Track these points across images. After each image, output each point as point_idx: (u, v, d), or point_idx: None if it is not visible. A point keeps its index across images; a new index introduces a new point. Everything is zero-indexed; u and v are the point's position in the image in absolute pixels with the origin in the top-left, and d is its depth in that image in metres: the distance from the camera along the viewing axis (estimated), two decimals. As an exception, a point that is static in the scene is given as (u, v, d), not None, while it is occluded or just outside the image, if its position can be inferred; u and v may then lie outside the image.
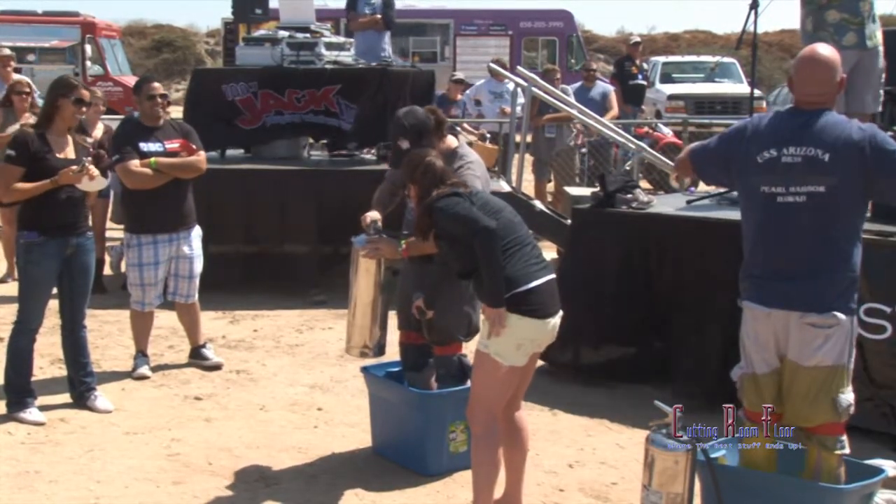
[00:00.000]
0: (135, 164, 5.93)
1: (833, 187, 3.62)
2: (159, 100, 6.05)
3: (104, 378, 5.92)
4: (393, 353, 5.01)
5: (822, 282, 3.65)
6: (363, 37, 9.81)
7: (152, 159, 5.94)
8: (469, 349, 4.81)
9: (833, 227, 3.67)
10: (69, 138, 5.35)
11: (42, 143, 5.22)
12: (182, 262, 6.16)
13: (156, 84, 6.15)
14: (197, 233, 6.25)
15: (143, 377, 6.06)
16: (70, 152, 5.31)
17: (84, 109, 5.38)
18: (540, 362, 4.56)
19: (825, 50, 3.80)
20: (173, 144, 6.07)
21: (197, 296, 6.31)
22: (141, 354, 6.21)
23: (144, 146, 5.98)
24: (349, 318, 4.72)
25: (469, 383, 4.70)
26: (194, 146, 6.15)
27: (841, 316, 3.64)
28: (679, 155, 4.15)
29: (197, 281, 6.27)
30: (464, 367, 4.79)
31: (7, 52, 9.76)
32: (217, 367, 6.27)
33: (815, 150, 3.65)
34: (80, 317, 5.48)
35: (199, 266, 6.26)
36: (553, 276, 4.04)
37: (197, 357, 6.38)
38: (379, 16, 9.71)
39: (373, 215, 4.65)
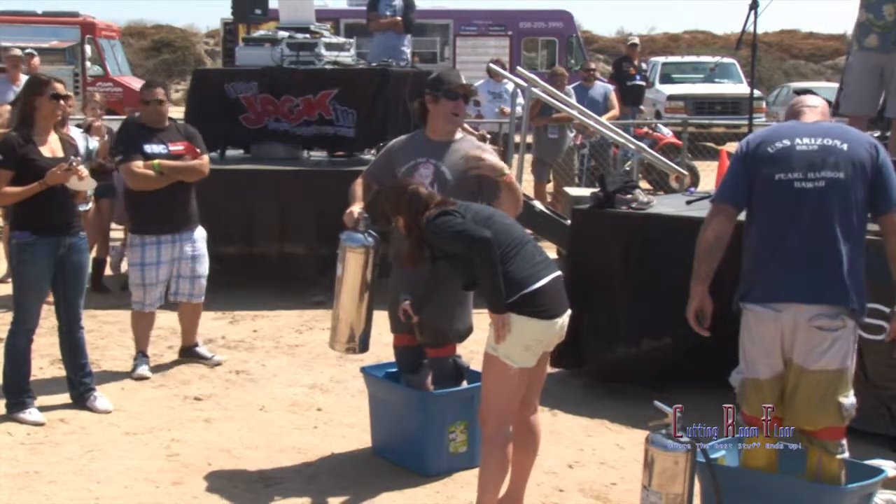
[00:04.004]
0: (137, 165, 5.94)
1: (851, 176, 3.64)
2: (157, 106, 6.07)
3: (104, 378, 5.92)
4: (391, 354, 5.01)
5: (846, 274, 3.65)
6: (383, 38, 9.85)
7: (156, 161, 5.96)
8: (464, 348, 4.82)
9: (852, 216, 3.67)
10: (55, 136, 5.32)
11: (28, 144, 5.18)
12: (184, 262, 6.17)
13: (157, 90, 6.15)
14: (200, 234, 6.26)
15: (142, 377, 6.06)
16: (57, 151, 5.28)
17: (62, 103, 5.33)
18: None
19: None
20: (177, 147, 6.10)
21: (203, 297, 6.33)
22: (141, 355, 6.21)
23: (148, 148, 6.00)
24: (335, 313, 4.69)
25: (465, 383, 4.72)
26: (198, 149, 6.17)
27: (847, 319, 3.65)
28: (710, 216, 3.90)
29: (202, 281, 6.28)
30: (458, 368, 4.78)
31: (18, 52, 9.78)
32: (218, 364, 6.28)
33: (833, 141, 3.68)
34: (76, 317, 5.46)
35: (202, 267, 6.26)
36: (559, 273, 4.02)
37: (192, 356, 6.39)
38: (399, 18, 9.75)
39: (359, 210, 4.65)
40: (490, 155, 4.54)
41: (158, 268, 6.08)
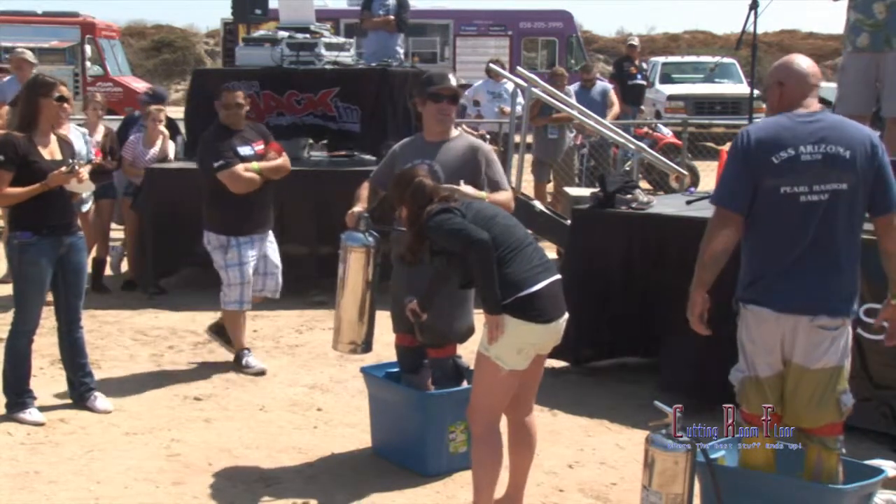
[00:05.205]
0: (241, 169, 6.03)
1: (854, 185, 3.63)
2: (237, 109, 6.19)
3: (104, 378, 5.92)
4: (391, 354, 5.02)
5: (846, 280, 3.66)
6: (375, 37, 9.84)
7: (255, 164, 6.10)
8: (465, 349, 4.81)
9: (854, 224, 3.68)
10: (53, 137, 5.32)
11: (29, 145, 5.18)
12: (269, 259, 6.31)
13: (237, 93, 6.25)
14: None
15: (263, 371, 6.19)
16: (56, 152, 5.28)
17: (66, 106, 5.34)
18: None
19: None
20: (259, 146, 6.24)
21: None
22: (246, 351, 6.30)
23: (241, 150, 6.10)
24: (338, 314, 4.73)
25: (465, 384, 4.71)
26: (277, 145, 6.35)
27: (846, 318, 3.66)
28: (716, 226, 3.77)
29: (281, 274, 6.40)
30: (459, 369, 4.79)
31: (29, 55, 9.79)
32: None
33: (836, 147, 3.65)
34: (75, 317, 5.46)
35: (278, 257, 6.39)
36: (557, 276, 4.01)
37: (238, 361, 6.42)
38: (392, 17, 9.75)
39: (360, 211, 4.69)
40: (466, 186, 4.50)
41: (252, 266, 6.19)
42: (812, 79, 3.81)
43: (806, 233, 3.66)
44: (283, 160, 6.32)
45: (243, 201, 6.08)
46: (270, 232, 6.35)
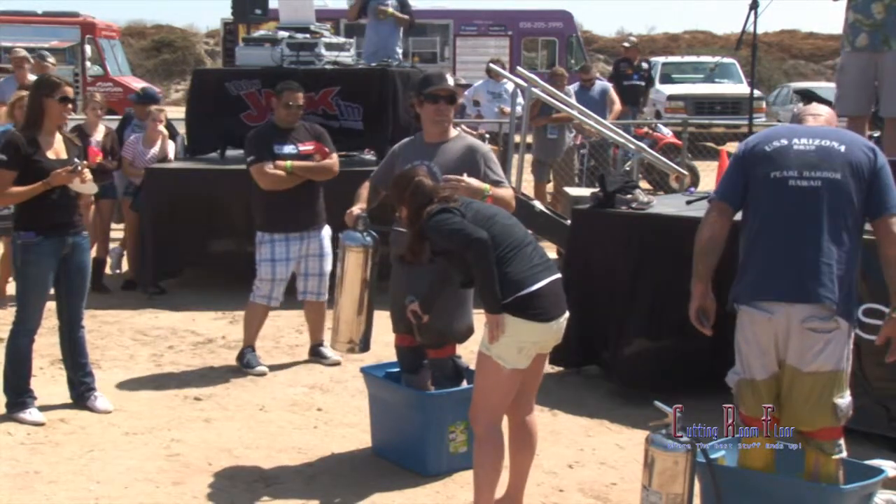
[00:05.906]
0: (269, 166, 6.02)
1: (848, 177, 3.64)
2: (297, 110, 6.19)
3: (104, 378, 5.91)
4: (391, 354, 5.02)
5: (828, 269, 3.62)
6: (374, 37, 9.77)
7: (288, 163, 6.07)
8: (465, 349, 4.82)
9: (848, 217, 3.65)
10: (58, 137, 5.32)
11: (32, 145, 5.17)
12: (312, 260, 6.27)
13: (298, 94, 6.22)
14: (327, 232, 6.33)
15: (263, 373, 6.15)
16: (61, 151, 5.27)
17: (70, 107, 5.34)
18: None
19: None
20: (307, 147, 6.21)
21: (327, 294, 6.34)
22: (251, 349, 6.29)
23: (278, 148, 6.09)
24: (336, 313, 4.75)
25: (465, 384, 4.72)
26: (327, 149, 6.29)
27: (841, 320, 3.64)
28: (706, 215, 3.89)
29: (327, 279, 6.32)
30: (458, 369, 4.79)
31: (23, 52, 9.78)
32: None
33: (831, 142, 3.69)
34: (77, 317, 5.46)
35: (328, 265, 6.32)
36: (558, 275, 4.01)
37: (316, 355, 6.44)
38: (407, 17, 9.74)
39: (359, 211, 4.70)
40: (470, 178, 4.53)
41: (288, 264, 6.18)
42: (803, 112, 4.00)
43: (794, 217, 3.65)
44: (327, 162, 6.23)
45: (277, 199, 6.08)
46: (324, 234, 6.29)
